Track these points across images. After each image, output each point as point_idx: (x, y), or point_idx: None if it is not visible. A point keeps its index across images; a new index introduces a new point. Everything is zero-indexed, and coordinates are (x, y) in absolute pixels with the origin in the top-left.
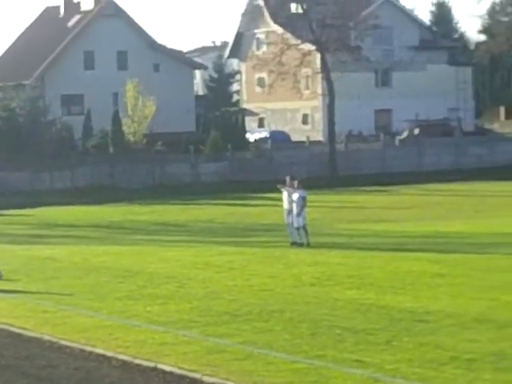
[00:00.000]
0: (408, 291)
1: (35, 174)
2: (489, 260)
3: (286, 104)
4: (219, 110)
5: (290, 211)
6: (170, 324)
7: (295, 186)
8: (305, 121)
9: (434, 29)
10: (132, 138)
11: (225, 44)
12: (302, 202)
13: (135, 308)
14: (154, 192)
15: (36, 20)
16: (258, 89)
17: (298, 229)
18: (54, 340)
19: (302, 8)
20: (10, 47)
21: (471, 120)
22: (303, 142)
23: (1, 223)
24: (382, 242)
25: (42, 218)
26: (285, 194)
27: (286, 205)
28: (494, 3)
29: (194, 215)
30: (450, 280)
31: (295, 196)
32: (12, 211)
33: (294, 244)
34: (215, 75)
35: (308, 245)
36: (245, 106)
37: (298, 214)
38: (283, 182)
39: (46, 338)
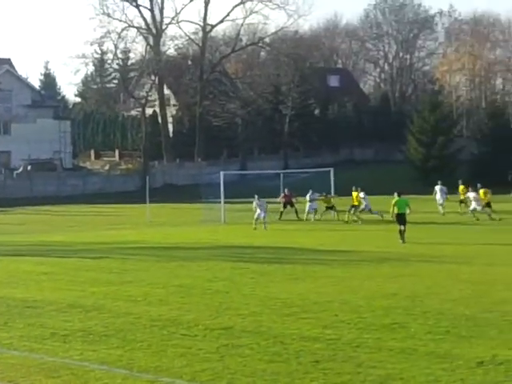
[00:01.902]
0: (21, 285)
1: None
2: (80, 262)
3: None
4: None
5: None
6: None
7: None
8: None
9: (43, 92)
10: None
11: None
12: None
13: None
14: None
15: None
16: None
17: None
18: None
19: None
20: None
21: (70, 159)
22: None
23: None
24: (3, 249)
25: None
26: None
27: None
28: (86, 74)
29: None
30: (51, 277)
31: None
32: None
33: None
34: None
35: None
36: None
37: None
38: None
39: None
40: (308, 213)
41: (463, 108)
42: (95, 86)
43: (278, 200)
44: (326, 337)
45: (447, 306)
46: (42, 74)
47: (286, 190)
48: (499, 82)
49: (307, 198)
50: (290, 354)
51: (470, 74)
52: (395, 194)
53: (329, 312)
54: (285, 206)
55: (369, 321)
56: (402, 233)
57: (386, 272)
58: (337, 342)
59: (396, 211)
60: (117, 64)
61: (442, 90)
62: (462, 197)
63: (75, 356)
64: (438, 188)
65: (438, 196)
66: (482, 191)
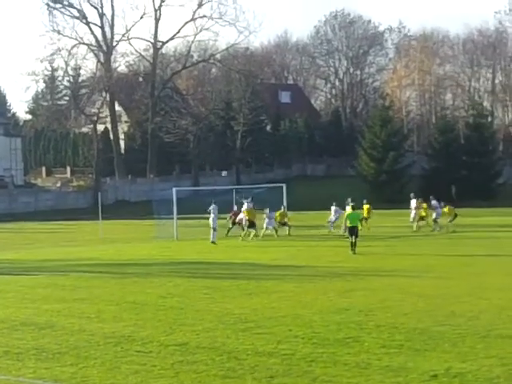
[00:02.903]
0: None
1: None
2: (34, 279)
3: None
4: None
5: None
6: None
7: None
8: None
9: None
10: None
11: None
12: None
13: None
14: None
15: None
16: None
17: None
18: None
19: None
20: None
21: (21, 177)
22: None
23: None
24: None
25: None
26: None
27: None
28: (37, 91)
29: None
30: (3, 294)
31: None
32: None
33: None
34: None
35: None
36: None
37: None
38: None
39: None
40: (266, 229)
41: (414, 123)
42: (46, 103)
43: (228, 217)
44: (281, 352)
45: (400, 319)
46: None
47: (235, 208)
48: (449, 97)
49: (266, 213)
50: (244, 370)
51: (420, 90)
52: (349, 207)
53: (283, 327)
54: (233, 223)
55: (323, 335)
56: (352, 244)
57: (339, 286)
58: (291, 356)
59: (348, 224)
60: (67, 81)
61: (393, 105)
62: (365, 215)
63: (28, 374)
64: (333, 208)
65: (332, 217)
66: (366, 207)
